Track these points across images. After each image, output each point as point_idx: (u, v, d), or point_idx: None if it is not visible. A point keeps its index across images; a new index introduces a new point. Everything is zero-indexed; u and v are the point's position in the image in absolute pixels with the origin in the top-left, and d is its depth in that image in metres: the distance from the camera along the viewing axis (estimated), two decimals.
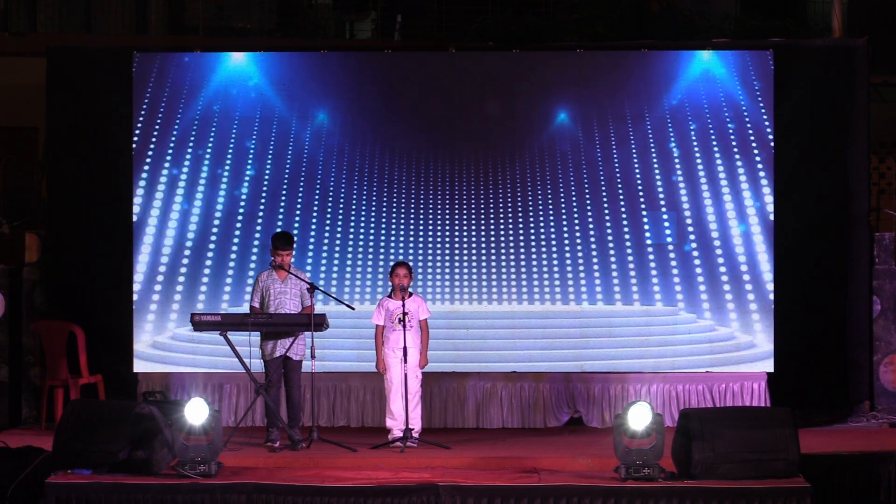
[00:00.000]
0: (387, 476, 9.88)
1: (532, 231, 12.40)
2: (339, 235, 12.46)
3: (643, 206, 12.37)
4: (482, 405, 12.33)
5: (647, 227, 12.35)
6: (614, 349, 12.32)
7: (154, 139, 12.46)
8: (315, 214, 12.48)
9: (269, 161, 12.50)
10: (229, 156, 12.49)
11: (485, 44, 15.64)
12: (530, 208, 12.41)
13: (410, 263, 11.47)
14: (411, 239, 12.43)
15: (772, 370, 12.18)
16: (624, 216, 12.37)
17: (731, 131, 12.34)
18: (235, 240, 12.45)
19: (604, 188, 12.40)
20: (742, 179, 12.30)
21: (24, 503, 9.76)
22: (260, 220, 12.45)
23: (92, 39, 16.71)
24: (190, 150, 12.48)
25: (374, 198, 12.49)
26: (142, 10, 18.10)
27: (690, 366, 12.25)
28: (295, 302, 11.17)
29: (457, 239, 12.42)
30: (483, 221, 12.43)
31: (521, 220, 12.41)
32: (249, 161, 12.50)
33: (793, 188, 12.34)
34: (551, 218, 12.40)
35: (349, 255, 12.44)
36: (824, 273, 12.39)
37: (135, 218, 12.40)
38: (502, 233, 12.41)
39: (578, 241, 12.37)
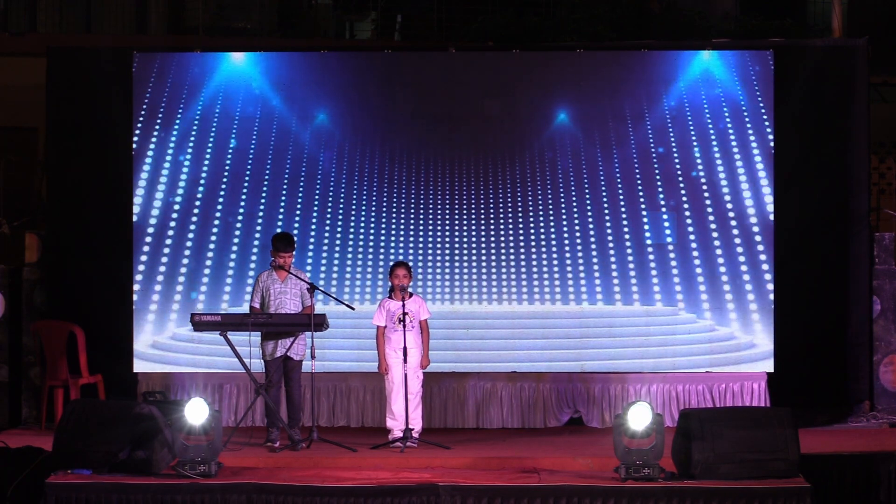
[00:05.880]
0: (387, 476, 9.86)
1: (532, 231, 12.40)
2: (339, 235, 12.46)
3: (643, 206, 12.37)
4: (482, 405, 12.33)
5: (647, 227, 12.35)
6: (614, 349, 12.32)
7: (154, 139, 12.47)
8: (315, 214, 12.48)
9: (269, 161, 12.50)
10: (229, 156, 12.50)
11: (485, 44, 15.63)
12: (530, 208, 12.41)
13: (410, 263, 11.47)
14: (411, 239, 12.42)
15: (772, 370, 12.18)
16: (624, 216, 12.37)
17: (731, 131, 12.34)
18: (235, 240, 12.45)
19: (604, 188, 12.40)
20: (742, 179, 12.30)
21: (24, 503, 9.76)
22: (260, 220, 12.45)
23: (92, 39, 16.70)
24: (190, 151, 12.48)
25: (374, 198, 12.49)
26: (142, 10, 18.09)
27: (690, 366, 12.25)
28: (295, 302, 11.16)
29: (457, 239, 12.41)
30: (483, 221, 12.42)
31: (521, 220, 12.41)
32: (249, 161, 12.50)
33: (793, 188, 12.34)
34: (551, 218, 12.40)
35: (349, 255, 12.44)
36: (824, 273, 12.39)
37: (135, 218, 12.40)
38: (502, 233, 12.41)
39: (578, 241, 12.36)
